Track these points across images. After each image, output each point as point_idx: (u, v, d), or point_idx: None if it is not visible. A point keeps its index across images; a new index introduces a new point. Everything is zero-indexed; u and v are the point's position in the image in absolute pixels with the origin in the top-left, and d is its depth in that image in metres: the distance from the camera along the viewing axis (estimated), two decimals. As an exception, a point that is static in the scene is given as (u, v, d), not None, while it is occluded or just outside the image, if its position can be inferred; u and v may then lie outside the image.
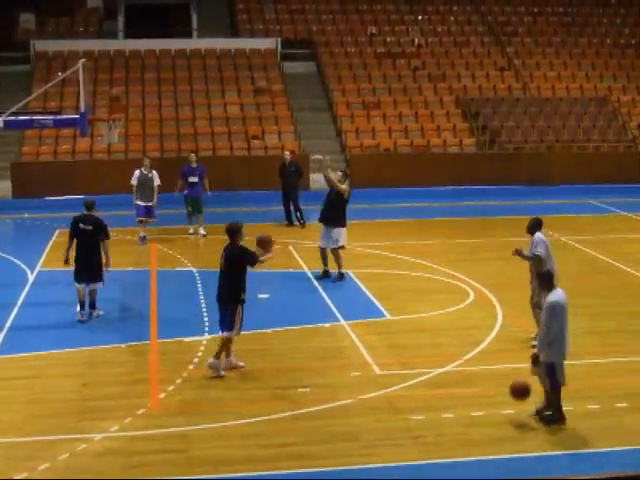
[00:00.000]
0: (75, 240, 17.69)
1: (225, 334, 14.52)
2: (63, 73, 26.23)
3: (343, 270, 20.39)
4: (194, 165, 26.07)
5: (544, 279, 12.99)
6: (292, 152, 29.21)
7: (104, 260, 17.66)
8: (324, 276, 20.56)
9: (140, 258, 22.89)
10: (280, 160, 28.15)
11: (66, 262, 17.76)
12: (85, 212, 17.80)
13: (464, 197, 31.85)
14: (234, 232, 14.60)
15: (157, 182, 24.61)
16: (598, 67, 40.14)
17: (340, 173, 20.72)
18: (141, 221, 24.58)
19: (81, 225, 17.60)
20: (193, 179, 25.80)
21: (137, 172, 24.82)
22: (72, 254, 17.68)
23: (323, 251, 20.55)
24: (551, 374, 12.37)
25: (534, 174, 33.67)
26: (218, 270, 14.76)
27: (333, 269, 20.45)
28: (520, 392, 12.58)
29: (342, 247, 20.36)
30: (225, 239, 14.75)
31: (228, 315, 14.53)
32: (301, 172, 28.08)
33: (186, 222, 25.83)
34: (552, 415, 12.44)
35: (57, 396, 13.58)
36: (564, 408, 12.58)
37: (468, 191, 32.46)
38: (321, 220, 20.73)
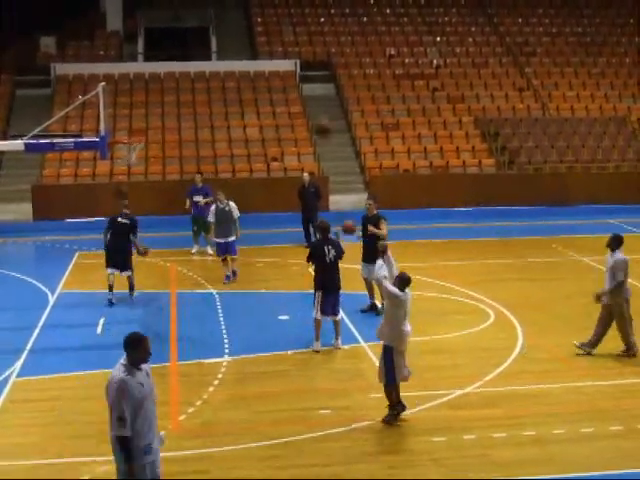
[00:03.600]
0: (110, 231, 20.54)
1: (338, 317, 16.92)
2: (83, 96, 26.35)
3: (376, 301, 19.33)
4: (199, 185, 26.44)
5: None
6: (311, 173, 29.21)
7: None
8: (369, 309, 19.55)
9: (160, 280, 22.92)
10: (299, 182, 28.19)
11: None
12: (123, 211, 20.67)
13: (483, 218, 31.78)
14: (326, 229, 17.20)
15: (236, 214, 22.65)
16: (617, 87, 40.08)
17: (370, 201, 19.63)
18: (224, 260, 22.69)
19: (119, 219, 20.53)
20: (197, 198, 26.10)
21: (213, 207, 22.93)
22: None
23: (366, 282, 19.49)
24: None
25: (554, 194, 33.58)
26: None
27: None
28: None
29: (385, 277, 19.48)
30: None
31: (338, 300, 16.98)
32: (320, 193, 28.10)
33: (202, 243, 25.92)
34: None
35: (78, 418, 13.60)
36: (586, 429, 12.51)
37: (487, 212, 32.39)
38: (363, 260, 19.49)
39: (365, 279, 19.44)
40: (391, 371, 13.17)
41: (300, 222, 27.35)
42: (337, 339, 17.16)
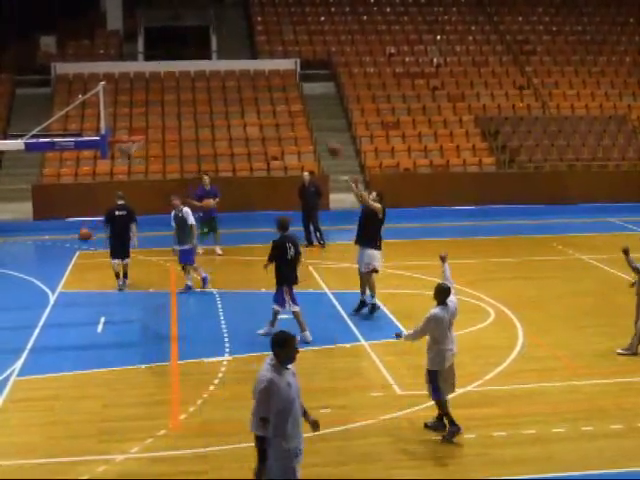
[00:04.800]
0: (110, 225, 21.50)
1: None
2: (83, 95, 26.34)
3: (375, 300, 19.14)
4: (208, 187, 26.28)
5: None
6: (311, 172, 29.17)
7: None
8: (358, 308, 19.25)
9: (160, 279, 22.92)
10: (299, 181, 28.18)
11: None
12: (118, 202, 21.61)
13: (484, 217, 31.79)
14: (286, 226, 17.52)
15: (190, 220, 21.40)
16: (617, 85, 40.08)
17: (374, 194, 19.42)
18: (183, 268, 21.72)
19: (117, 212, 21.42)
20: (209, 201, 25.98)
21: (173, 213, 21.76)
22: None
23: (360, 276, 19.25)
24: None
25: (554, 193, 33.58)
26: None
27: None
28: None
29: (375, 271, 19.02)
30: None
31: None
32: (321, 192, 28.10)
33: (207, 243, 25.84)
34: None
35: (77, 417, 13.60)
36: (586, 428, 12.53)
37: (487, 210, 32.40)
38: (355, 241, 19.33)
39: (360, 273, 19.16)
40: (437, 391, 12.57)
41: (300, 221, 27.31)
42: (303, 330, 17.31)
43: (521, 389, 14.60)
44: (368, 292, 19.10)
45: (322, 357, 16.50)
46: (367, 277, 19.09)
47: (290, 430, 9.18)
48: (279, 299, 17.41)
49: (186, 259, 21.34)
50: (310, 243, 27.01)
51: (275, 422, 9.04)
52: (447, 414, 12.54)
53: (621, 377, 15.18)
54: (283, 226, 17.45)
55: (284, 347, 9.27)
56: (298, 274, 17.58)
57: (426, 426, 12.80)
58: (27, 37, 41.56)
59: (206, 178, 26.78)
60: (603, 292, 21.17)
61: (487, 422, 13.16)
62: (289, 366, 9.34)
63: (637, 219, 30.59)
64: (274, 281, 17.22)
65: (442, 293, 12.66)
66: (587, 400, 14.08)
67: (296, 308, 17.39)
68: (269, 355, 9.35)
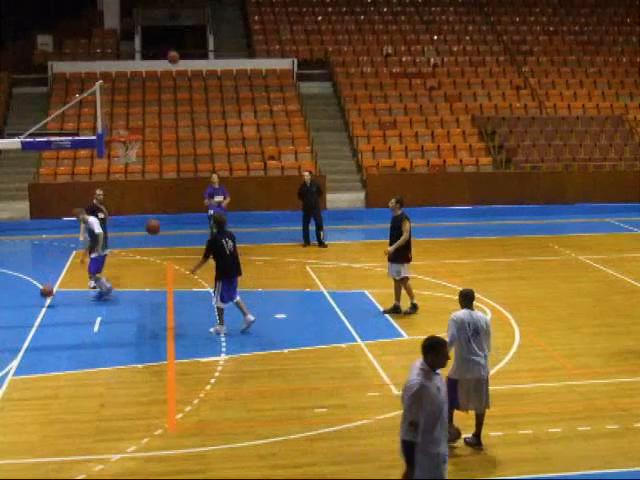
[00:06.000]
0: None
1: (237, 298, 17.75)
2: (80, 95, 26.33)
3: (415, 300, 19.23)
4: (217, 186, 26.45)
5: None
6: (310, 172, 29.07)
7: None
8: (392, 311, 19.23)
9: (157, 279, 22.92)
10: (299, 181, 28.14)
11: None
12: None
13: (481, 216, 31.84)
14: (222, 223, 18.08)
15: (97, 230, 20.56)
16: (614, 86, 40.11)
17: (394, 200, 19.58)
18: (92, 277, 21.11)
19: (100, 215, 21.57)
20: (218, 199, 26.15)
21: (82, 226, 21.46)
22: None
23: (395, 282, 19.35)
24: None
25: (551, 193, 33.63)
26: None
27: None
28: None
29: (406, 278, 19.14)
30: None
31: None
32: (321, 191, 28.09)
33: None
34: None
35: (74, 417, 13.58)
36: (583, 428, 12.53)
37: (485, 210, 32.44)
38: (389, 259, 19.35)
39: (394, 279, 19.25)
40: (455, 401, 12.17)
41: (300, 221, 27.26)
42: (247, 314, 17.79)
43: (517, 389, 14.60)
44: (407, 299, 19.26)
45: (319, 357, 16.48)
46: (402, 284, 19.24)
47: (438, 435, 9.10)
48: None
49: (95, 267, 20.73)
50: (307, 243, 26.97)
51: (424, 427, 8.96)
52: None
53: (617, 377, 15.18)
54: (219, 223, 18.11)
55: (435, 352, 9.17)
56: (239, 264, 17.97)
57: (465, 442, 12.38)
58: (24, 36, 41.62)
59: (214, 177, 26.97)
60: (600, 292, 21.17)
61: (484, 422, 13.14)
62: (438, 371, 9.23)
63: (634, 219, 30.64)
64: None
65: (464, 297, 12.53)
66: (584, 400, 14.08)
67: (221, 305, 17.71)
68: (418, 360, 9.29)
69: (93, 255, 20.71)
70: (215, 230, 18.36)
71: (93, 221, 20.76)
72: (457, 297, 12.57)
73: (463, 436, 12.36)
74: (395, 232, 19.27)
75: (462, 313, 12.29)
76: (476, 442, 12.30)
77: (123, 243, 25.93)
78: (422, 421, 8.93)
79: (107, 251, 21.35)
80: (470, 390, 12.19)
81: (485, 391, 12.28)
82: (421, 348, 9.23)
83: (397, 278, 19.15)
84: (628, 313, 19.16)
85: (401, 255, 19.08)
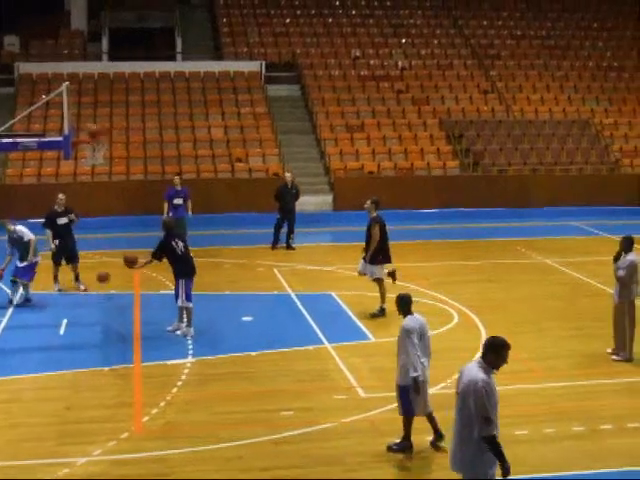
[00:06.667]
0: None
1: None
2: (47, 96, 26.17)
3: (385, 305, 19.02)
4: (179, 188, 26.31)
5: None
6: (292, 173, 28.84)
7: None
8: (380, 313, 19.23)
9: (123, 281, 22.77)
10: (278, 181, 27.93)
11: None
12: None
13: (447, 219, 31.91)
14: (170, 227, 18.19)
15: (28, 237, 20.28)
16: (581, 90, 40.34)
17: (369, 202, 19.43)
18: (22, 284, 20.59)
19: (59, 220, 21.67)
20: (178, 201, 26.04)
21: (6, 237, 20.62)
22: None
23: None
24: None
25: (517, 196, 33.77)
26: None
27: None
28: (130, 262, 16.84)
29: (379, 279, 19.19)
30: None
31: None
32: (299, 195, 28.00)
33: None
34: None
35: (38, 420, 13.48)
36: (549, 430, 12.58)
37: (451, 214, 32.53)
38: (364, 258, 19.46)
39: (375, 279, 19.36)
40: (409, 408, 12.32)
41: (272, 223, 27.01)
42: (188, 325, 17.86)
43: (484, 392, 14.61)
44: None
45: (285, 359, 16.46)
46: (378, 284, 19.34)
47: (497, 424, 9.28)
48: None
49: (25, 274, 20.24)
50: (276, 245, 26.83)
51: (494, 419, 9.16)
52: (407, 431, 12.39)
53: (583, 380, 15.26)
54: (167, 227, 18.17)
55: (498, 352, 9.40)
56: (195, 265, 18.10)
57: (434, 446, 12.47)
58: (-10, 36, 41.27)
59: (177, 179, 26.89)
60: (567, 295, 21.29)
61: (450, 424, 13.14)
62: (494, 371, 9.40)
63: (600, 222, 30.81)
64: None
65: (404, 303, 12.62)
66: (550, 403, 14.15)
67: (189, 304, 17.71)
68: (476, 358, 9.52)
69: (24, 263, 20.18)
70: (164, 233, 18.09)
71: (21, 229, 20.34)
72: (396, 302, 12.56)
73: (430, 442, 12.46)
74: (367, 234, 19.39)
75: (410, 320, 12.35)
76: (440, 437, 12.43)
77: (89, 245, 25.73)
78: (492, 414, 9.13)
79: (38, 258, 20.57)
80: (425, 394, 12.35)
81: (426, 393, 12.45)
82: (483, 347, 9.45)
83: (371, 278, 19.23)
84: (595, 316, 19.23)
85: (373, 257, 19.14)
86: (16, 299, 20.41)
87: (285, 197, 27.28)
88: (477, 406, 9.12)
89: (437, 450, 12.32)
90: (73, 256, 21.93)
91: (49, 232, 21.67)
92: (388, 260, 19.37)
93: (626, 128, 38.29)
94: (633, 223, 29.22)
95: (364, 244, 19.48)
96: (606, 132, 37.65)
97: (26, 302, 20.48)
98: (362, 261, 19.45)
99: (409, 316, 12.38)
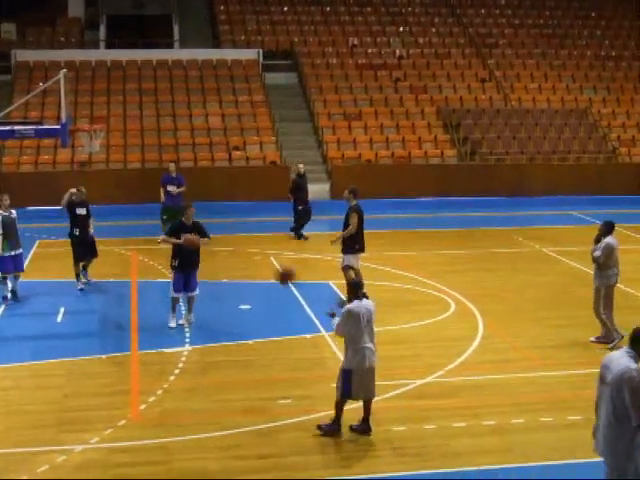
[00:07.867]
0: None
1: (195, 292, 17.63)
2: (44, 83, 26.14)
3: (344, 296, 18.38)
4: (174, 175, 26.26)
5: None
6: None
7: None
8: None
9: (121, 269, 22.80)
10: (290, 171, 27.83)
11: None
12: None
13: (445, 208, 31.90)
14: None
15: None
16: (578, 79, 40.33)
17: (347, 191, 19.36)
18: (4, 278, 19.62)
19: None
20: (171, 188, 25.96)
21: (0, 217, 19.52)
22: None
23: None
24: None
25: (515, 185, 33.78)
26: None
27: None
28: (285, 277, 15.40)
29: (347, 267, 19.04)
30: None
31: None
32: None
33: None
34: None
35: (36, 408, 13.49)
36: (545, 419, 12.60)
37: (449, 202, 32.51)
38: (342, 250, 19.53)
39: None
40: (347, 392, 12.49)
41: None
42: (190, 313, 17.71)
43: (481, 380, 14.66)
44: None
45: (283, 348, 16.48)
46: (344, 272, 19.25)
47: None
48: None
49: (19, 265, 19.61)
50: (301, 234, 26.73)
51: None
52: (339, 414, 12.48)
53: (580, 368, 15.27)
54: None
55: None
56: (199, 256, 17.75)
57: (351, 429, 12.55)
58: (-14, 24, 41.16)
59: (172, 165, 26.80)
60: (564, 284, 21.31)
61: (447, 413, 13.20)
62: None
63: (597, 212, 30.78)
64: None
65: (354, 287, 12.87)
66: (546, 391, 14.17)
67: (174, 294, 17.63)
68: (623, 348, 9.43)
69: (21, 250, 19.63)
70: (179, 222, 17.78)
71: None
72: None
73: (350, 424, 12.54)
74: (345, 223, 19.31)
75: (356, 305, 12.48)
76: (365, 428, 12.50)
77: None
78: None
79: (15, 251, 19.39)
80: (362, 379, 12.41)
81: (373, 379, 12.53)
82: (630, 338, 9.35)
83: (341, 266, 19.19)
84: (591, 305, 19.23)
85: (346, 246, 19.10)
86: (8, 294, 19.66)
87: (303, 188, 27.19)
88: (633, 395, 9.11)
89: (353, 432, 12.43)
90: (92, 251, 20.99)
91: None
92: (363, 250, 19.33)
93: (624, 117, 38.31)
94: (630, 212, 29.28)
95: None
96: (604, 121, 37.65)
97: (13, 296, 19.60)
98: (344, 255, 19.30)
99: (356, 301, 12.51)
